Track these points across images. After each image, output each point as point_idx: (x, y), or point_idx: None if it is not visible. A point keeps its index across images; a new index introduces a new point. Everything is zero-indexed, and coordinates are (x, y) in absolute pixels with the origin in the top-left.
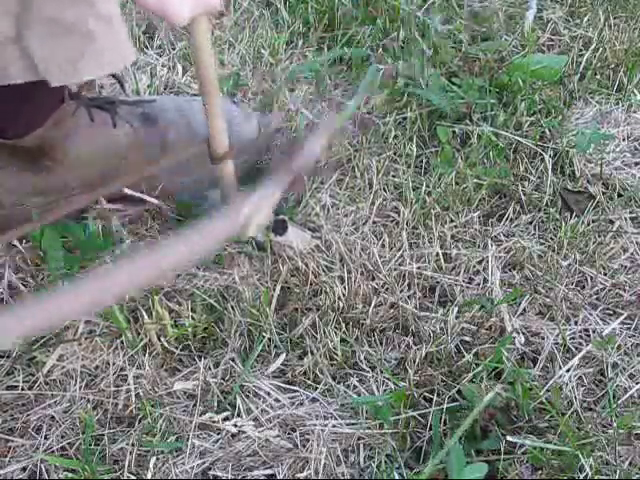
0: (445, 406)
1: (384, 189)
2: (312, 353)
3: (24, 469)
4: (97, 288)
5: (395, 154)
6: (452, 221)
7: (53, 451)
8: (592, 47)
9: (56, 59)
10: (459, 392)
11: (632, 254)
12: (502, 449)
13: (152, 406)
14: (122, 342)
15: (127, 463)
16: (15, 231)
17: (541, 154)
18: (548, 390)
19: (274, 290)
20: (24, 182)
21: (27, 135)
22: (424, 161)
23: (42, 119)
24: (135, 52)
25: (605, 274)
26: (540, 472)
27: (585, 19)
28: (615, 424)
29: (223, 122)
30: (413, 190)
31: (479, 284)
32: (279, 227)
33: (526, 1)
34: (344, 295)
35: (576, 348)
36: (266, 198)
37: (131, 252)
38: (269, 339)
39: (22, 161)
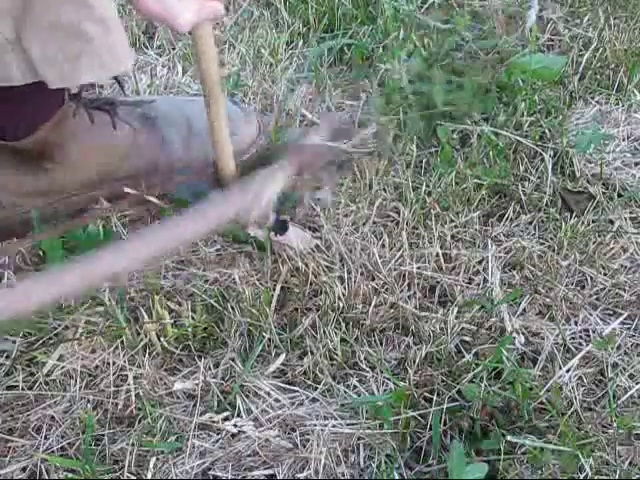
0: (445, 406)
1: (384, 189)
2: (312, 353)
3: (24, 469)
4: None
5: (395, 154)
6: (452, 221)
7: (53, 451)
8: (592, 47)
9: (55, 62)
10: (459, 392)
11: (632, 254)
12: (502, 449)
13: (152, 406)
14: (122, 342)
15: (127, 463)
16: (26, 239)
17: (541, 154)
18: (548, 390)
19: (274, 290)
20: (24, 183)
21: (27, 137)
22: (424, 161)
23: (42, 121)
24: (133, 56)
25: (605, 274)
26: (540, 472)
27: (585, 19)
28: (615, 424)
29: (229, 142)
30: (413, 190)
31: (479, 284)
32: (279, 227)
33: (526, 1)
34: (344, 295)
35: (576, 348)
36: (273, 177)
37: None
38: (269, 339)
39: (22, 163)
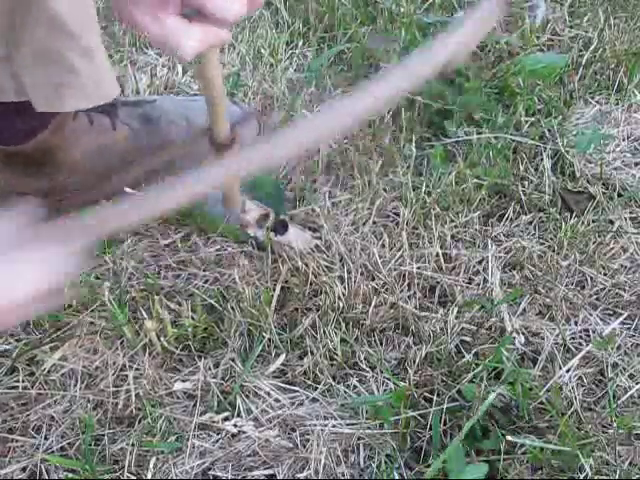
0: (445, 406)
1: (384, 189)
2: (312, 353)
3: (24, 469)
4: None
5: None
6: (452, 221)
7: (53, 451)
8: (592, 47)
9: (42, 87)
10: (459, 392)
11: (632, 254)
12: (502, 449)
13: (152, 406)
14: (122, 342)
15: (127, 463)
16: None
17: (541, 154)
18: (548, 390)
19: (274, 290)
20: (25, 185)
21: (28, 141)
22: (424, 161)
23: (43, 125)
24: (117, 85)
25: (605, 274)
26: (540, 472)
27: (585, 19)
28: (615, 424)
29: (224, 110)
30: (413, 190)
31: (479, 284)
32: (279, 227)
33: (526, 1)
34: (344, 295)
35: (576, 348)
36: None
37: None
38: (269, 339)
39: (23, 166)
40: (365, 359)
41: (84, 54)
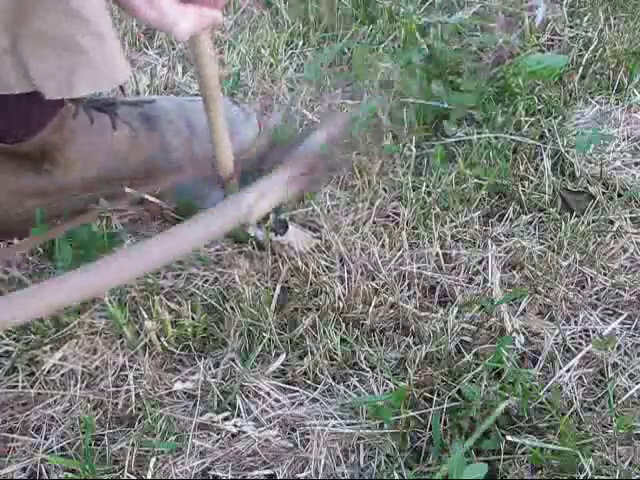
0: (445, 406)
1: (384, 189)
2: (312, 353)
3: (24, 469)
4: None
5: (394, 154)
6: (452, 221)
7: (53, 451)
8: (592, 47)
9: (51, 74)
10: (459, 392)
11: (632, 254)
12: (502, 449)
13: (152, 406)
14: (122, 342)
15: (127, 463)
16: (30, 240)
17: (541, 154)
18: (548, 390)
19: (274, 290)
20: (24, 185)
21: (28, 139)
22: (424, 161)
23: (42, 123)
24: (129, 69)
25: (605, 274)
26: (540, 472)
27: (585, 19)
28: (615, 424)
29: (228, 142)
30: (413, 190)
31: (479, 284)
32: (279, 227)
33: (526, 1)
34: (344, 295)
35: (576, 348)
36: (270, 187)
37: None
38: (269, 339)
39: (22, 164)
40: (365, 359)
41: (95, 36)
